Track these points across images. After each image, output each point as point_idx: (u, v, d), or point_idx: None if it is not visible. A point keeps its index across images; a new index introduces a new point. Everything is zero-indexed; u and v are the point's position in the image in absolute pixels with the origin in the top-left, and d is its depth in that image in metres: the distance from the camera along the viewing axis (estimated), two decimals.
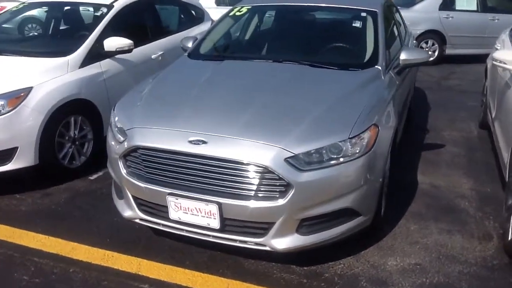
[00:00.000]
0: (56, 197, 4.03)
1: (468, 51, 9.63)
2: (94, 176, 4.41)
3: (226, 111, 3.07)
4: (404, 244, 3.33)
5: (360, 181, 2.84)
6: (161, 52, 5.40)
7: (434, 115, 6.24)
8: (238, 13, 4.53)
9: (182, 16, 6.28)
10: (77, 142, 4.37)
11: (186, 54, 4.22)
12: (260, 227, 2.80)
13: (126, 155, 3.04)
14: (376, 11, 4.21)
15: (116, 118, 3.29)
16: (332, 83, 3.46)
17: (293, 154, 2.70)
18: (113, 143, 3.22)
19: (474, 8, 9.66)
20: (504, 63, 3.68)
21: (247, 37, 4.67)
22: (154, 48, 5.35)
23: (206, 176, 2.79)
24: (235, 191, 2.74)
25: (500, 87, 4.22)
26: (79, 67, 4.40)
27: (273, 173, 2.67)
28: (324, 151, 2.76)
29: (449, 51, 9.73)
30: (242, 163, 2.71)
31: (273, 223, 2.76)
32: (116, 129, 3.23)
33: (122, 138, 3.10)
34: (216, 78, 3.61)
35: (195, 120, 3.00)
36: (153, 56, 5.29)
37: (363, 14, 4.22)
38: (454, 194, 4.06)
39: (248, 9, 4.56)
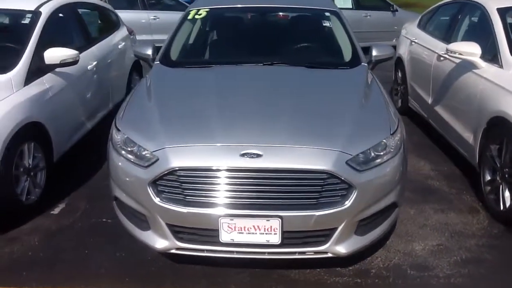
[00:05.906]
0: (26, 241, 3.36)
1: None
2: (57, 210, 3.79)
3: (261, 120, 2.91)
4: (415, 228, 3.54)
5: (401, 175, 2.94)
6: (95, 62, 4.85)
7: None
8: (197, 17, 4.28)
9: (101, 21, 5.70)
10: (31, 173, 3.71)
11: (158, 62, 3.84)
12: (322, 235, 2.73)
13: (157, 180, 2.69)
14: (336, 11, 4.37)
15: (126, 137, 2.89)
16: (338, 83, 3.51)
17: (352, 156, 2.69)
18: (126, 167, 2.82)
19: (350, 6, 10.56)
20: (461, 54, 4.12)
21: (221, 41, 4.43)
22: (87, 58, 4.77)
23: (265, 190, 2.61)
24: (297, 202, 2.63)
25: (443, 76, 4.70)
26: (24, 85, 3.73)
27: (336, 177, 2.63)
28: (372, 150, 2.80)
29: None
30: (303, 172, 2.61)
31: (335, 229, 2.71)
32: (128, 151, 2.84)
33: (147, 162, 2.73)
34: (224, 86, 3.38)
35: (237, 132, 2.79)
36: (88, 67, 4.73)
37: (327, 14, 4.34)
38: (423, 176, 4.43)
39: (207, 12, 4.33)
